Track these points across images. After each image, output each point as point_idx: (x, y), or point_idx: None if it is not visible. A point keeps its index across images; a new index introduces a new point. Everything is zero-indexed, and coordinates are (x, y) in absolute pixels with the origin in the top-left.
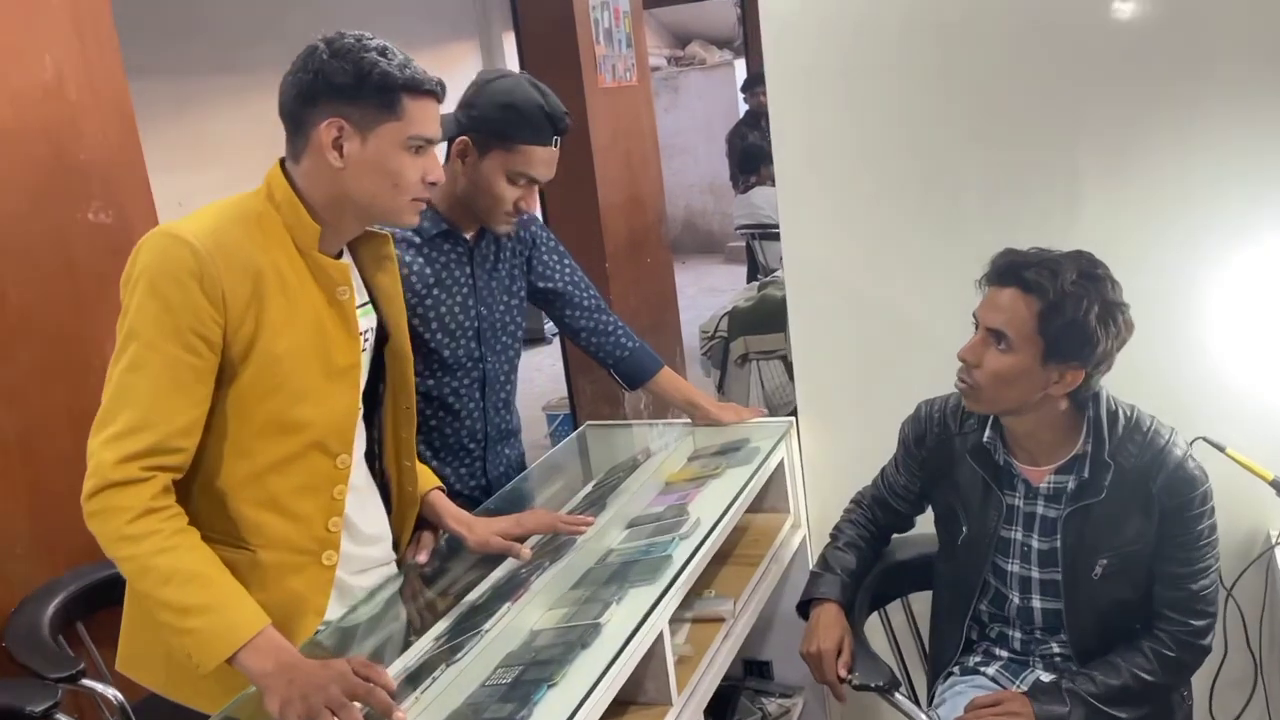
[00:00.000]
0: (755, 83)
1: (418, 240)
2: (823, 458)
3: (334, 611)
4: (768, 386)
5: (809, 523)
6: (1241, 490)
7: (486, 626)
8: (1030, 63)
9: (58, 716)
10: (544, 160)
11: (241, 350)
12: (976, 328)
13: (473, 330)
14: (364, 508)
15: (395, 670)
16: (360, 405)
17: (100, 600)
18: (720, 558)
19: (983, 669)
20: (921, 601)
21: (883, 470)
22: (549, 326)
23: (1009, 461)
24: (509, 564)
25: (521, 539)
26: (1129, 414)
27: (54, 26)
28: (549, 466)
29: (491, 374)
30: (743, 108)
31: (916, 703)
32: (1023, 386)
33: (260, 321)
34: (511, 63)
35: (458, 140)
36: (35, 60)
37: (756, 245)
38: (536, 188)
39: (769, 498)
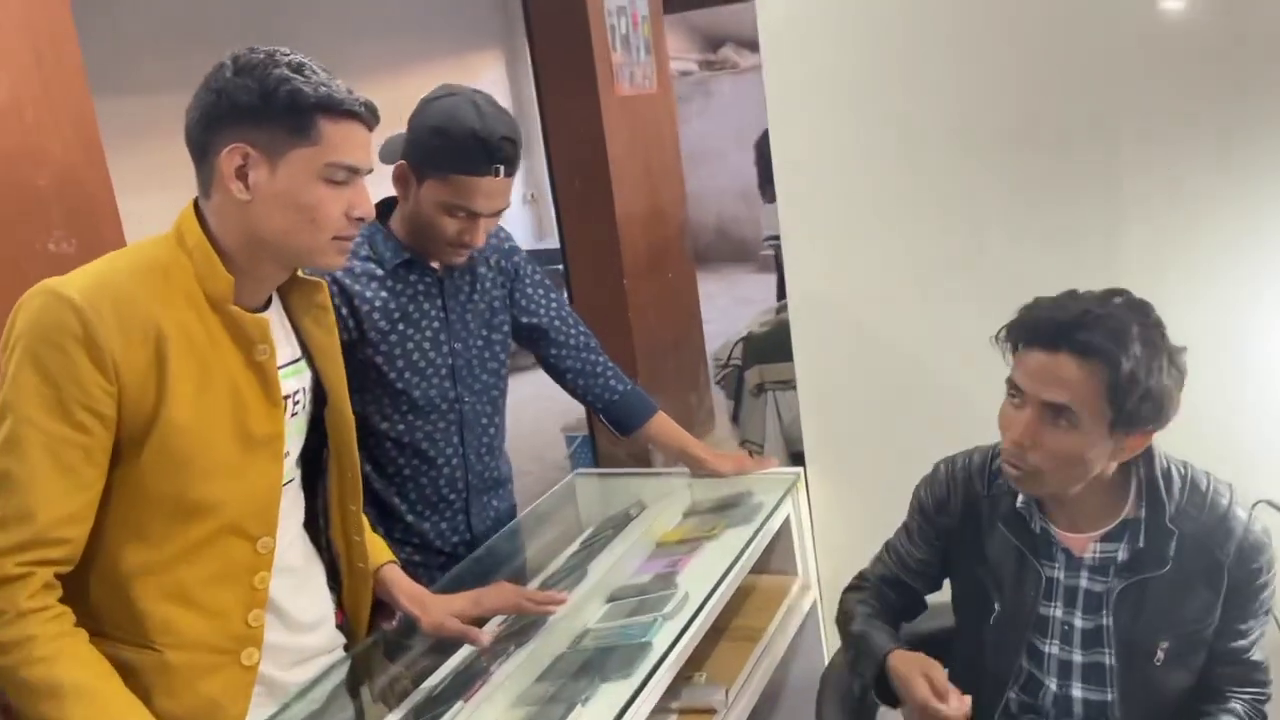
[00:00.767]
0: None
1: (380, 272)
2: (836, 511)
3: (262, 714)
4: (785, 419)
5: (820, 584)
6: None
7: None
8: (1056, 72)
9: None
10: (482, 192)
11: (141, 424)
12: (1015, 395)
13: (446, 368)
14: (300, 591)
15: None
16: (285, 477)
17: None
18: (718, 629)
19: None
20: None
21: (887, 545)
22: None
23: (1046, 529)
24: (466, 650)
25: (482, 620)
26: (1183, 472)
27: (7, 43)
28: (533, 520)
29: (470, 416)
30: None
31: None
32: (1089, 462)
33: (163, 390)
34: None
35: (397, 165)
36: None
37: None
38: (482, 222)
39: (775, 558)
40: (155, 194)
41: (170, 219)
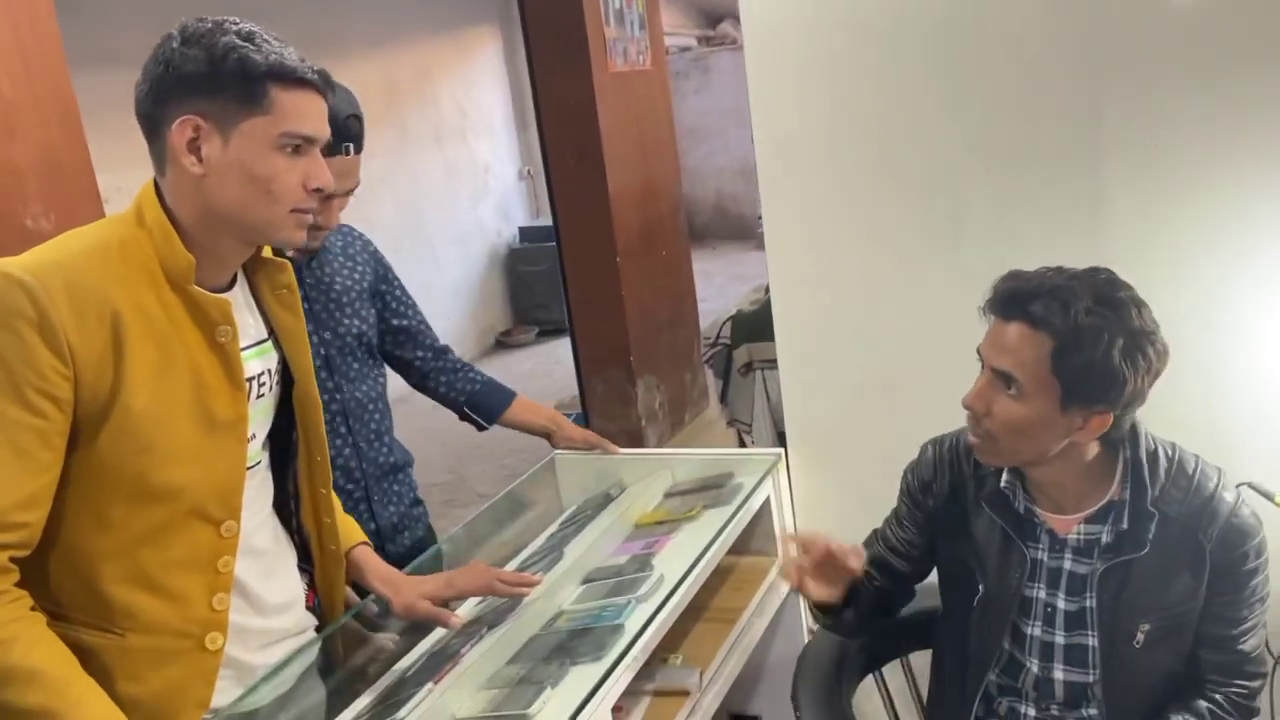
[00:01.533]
0: None
1: None
2: (817, 493)
3: (228, 697)
4: (773, 398)
5: None
6: None
7: (402, 714)
8: (1042, 52)
9: None
10: (334, 172)
11: (99, 407)
12: (983, 366)
13: (320, 359)
14: (270, 575)
15: None
16: (252, 460)
17: None
18: (697, 611)
19: None
20: (923, 658)
21: (876, 531)
22: None
23: (1031, 509)
24: (440, 632)
25: (454, 602)
26: (1170, 454)
27: None
28: (512, 501)
29: (353, 405)
30: None
31: None
32: (1042, 436)
33: (121, 372)
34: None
35: None
36: None
37: None
38: (335, 202)
39: (755, 539)
40: (135, 169)
41: (119, 195)
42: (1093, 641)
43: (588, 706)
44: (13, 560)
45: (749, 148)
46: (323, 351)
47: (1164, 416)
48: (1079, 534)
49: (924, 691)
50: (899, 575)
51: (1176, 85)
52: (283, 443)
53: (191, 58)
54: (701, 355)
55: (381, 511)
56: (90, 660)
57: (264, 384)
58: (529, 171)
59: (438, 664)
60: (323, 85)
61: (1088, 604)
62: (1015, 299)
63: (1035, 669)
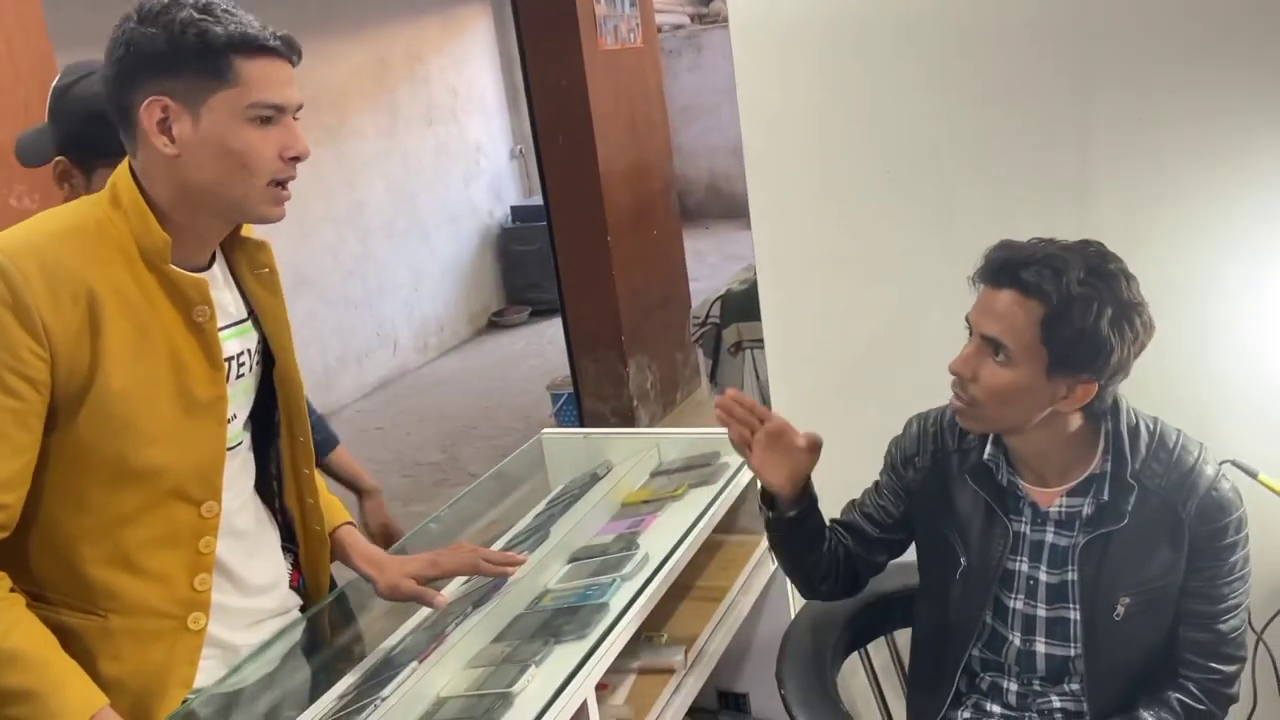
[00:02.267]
0: None
1: None
2: None
3: (213, 677)
4: (763, 377)
5: None
6: (1276, 522)
7: (386, 693)
8: (1029, 31)
9: None
10: None
11: (76, 389)
12: (970, 333)
13: None
14: (252, 555)
15: None
16: (233, 441)
17: None
18: (683, 589)
19: None
20: (907, 636)
21: (853, 500)
22: None
23: (1014, 481)
24: (426, 611)
25: (439, 582)
26: (1152, 428)
27: None
28: (499, 481)
29: None
30: None
31: None
32: (1026, 403)
33: (98, 353)
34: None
35: (55, 163)
36: None
37: None
38: None
39: (741, 517)
40: None
41: None
42: (1074, 615)
43: (571, 684)
44: None
45: None
46: None
47: (1147, 394)
48: (1061, 506)
49: (907, 666)
50: (867, 539)
51: (1163, 65)
52: (264, 423)
53: (151, 36)
54: (691, 335)
55: None
56: (72, 641)
57: (243, 364)
58: (521, 150)
59: (422, 643)
60: (287, 51)
61: (1069, 577)
62: (1007, 267)
63: (1017, 642)
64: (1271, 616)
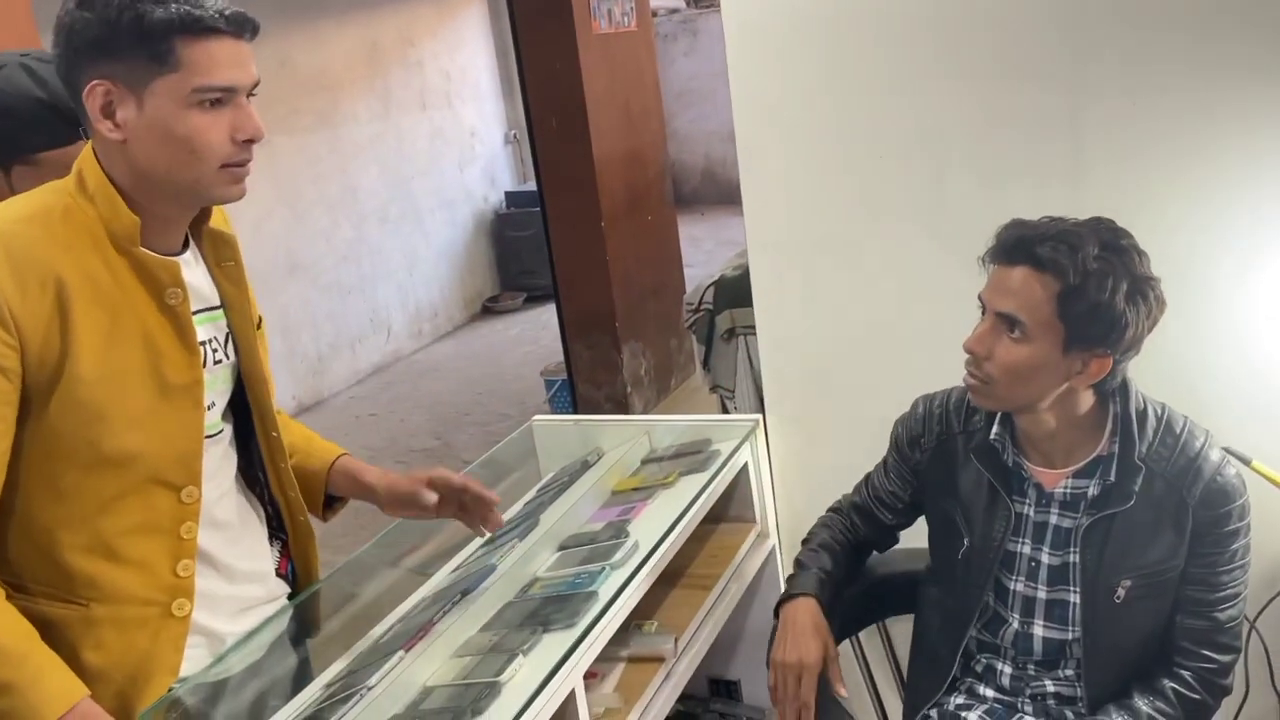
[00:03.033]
0: None
1: None
2: (794, 459)
3: (199, 666)
4: (756, 364)
5: (779, 532)
6: (1269, 511)
7: (372, 682)
8: (1023, 13)
9: None
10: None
11: (47, 377)
12: (983, 312)
13: None
14: (237, 542)
15: None
16: (212, 429)
17: None
18: (675, 577)
19: (964, 714)
20: (901, 625)
21: (868, 476)
22: None
23: (1019, 462)
24: (414, 599)
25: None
26: (1159, 413)
27: None
28: (489, 467)
29: None
30: None
31: None
32: (1042, 379)
33: (68, 340)
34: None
35: None
36: None
37: None
38: None
39: (733, 505)
40: None
41: None
42: (1074, 598)
43: (559, 673)
44: None
45: None
46: None
47: (1140, 382)
48: (1066, 488)
49: (900, 656)
50: (883, 526)
51: (1156, 49)
52: (245, 414)
53: (87, 21)
54: (684, 321)
55: None
56: (54, 632)
57: (216, 350)
58: (515, 136)
59: (410, 631)
60: (236, 29)
61: (1071, 559)
62: (1022, 244)
63: (1016, 624)
64: (1264, 605)
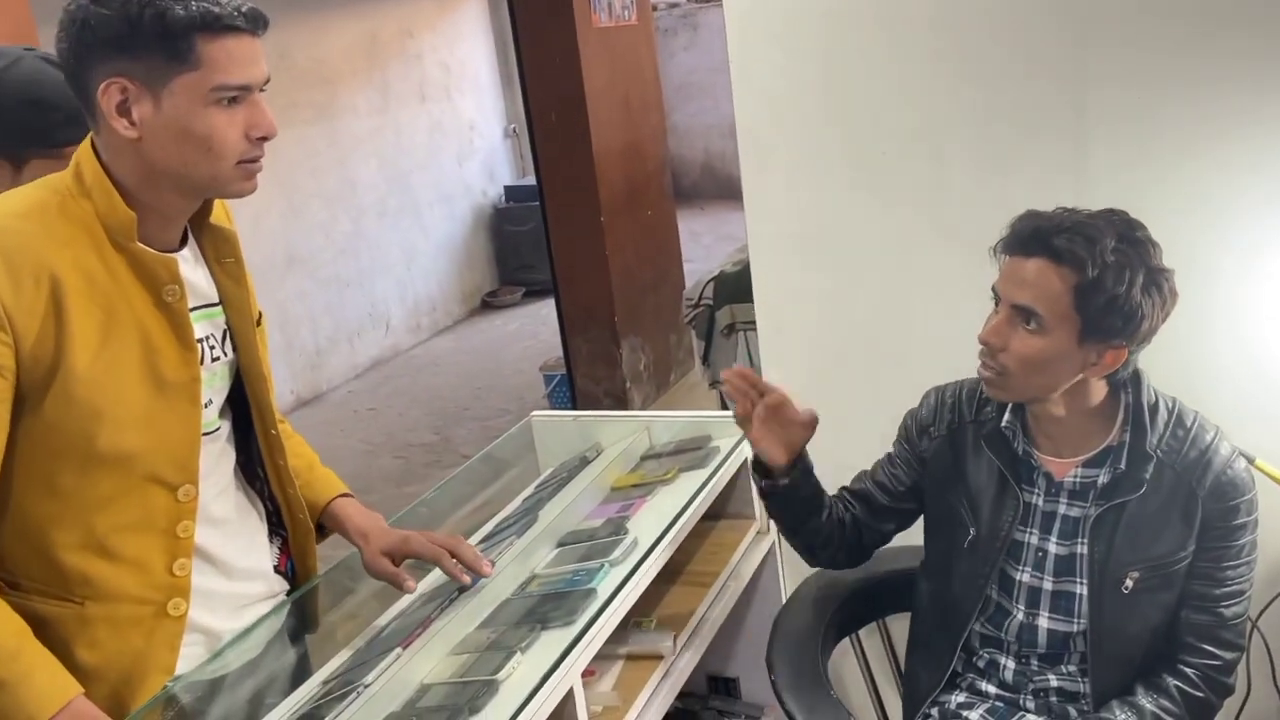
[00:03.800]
0: None
1: None
2: None
3: (196, 663)
4: (756, 360)
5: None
6: (1271, 510)
7: (369, 680)
8: (1026, 9)
9: None
10: None
11: (42, 374)
12: (997, 304)
13: None
14: (234, 539)
15: None
16: (210, 427)
17: None
18: (674, 574)
19: (965, 712)
20: (901, 623)
21: (862, 470)
22: None
23: (1029, 451)
24: (412, 595)
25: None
26: (1170, 406)
27: None
28: (488, 463)
29: None
30: None
31: None
32: (1057, 371)
33: (63, 337)
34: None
35: None
36: None
37: None
38: None
39: (733, 502)
40: None
41: None
42: (1080, 589)
43: (557, 671)
44: None
45: None
46: None
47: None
48: (1076, 477)
49: (900, 653)
50: (876, 507)
51: (1160, 44)
52: (243, 410)
53: (106, 18)
54: (684, 316)
55: None
56: (48, 630)
57: (213, 347)
58: (515, 130)
59: (407, 628)
60: (252, 26)
61: (1079, 550)
62: (1038, 235)
63: (1021, 615)
64: (1267, 604)
